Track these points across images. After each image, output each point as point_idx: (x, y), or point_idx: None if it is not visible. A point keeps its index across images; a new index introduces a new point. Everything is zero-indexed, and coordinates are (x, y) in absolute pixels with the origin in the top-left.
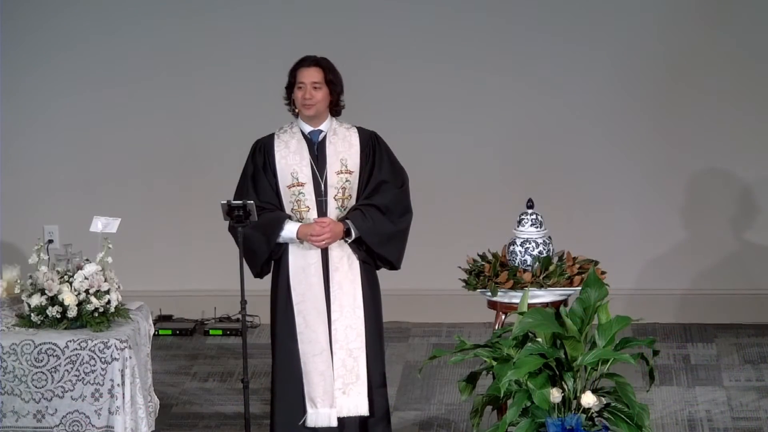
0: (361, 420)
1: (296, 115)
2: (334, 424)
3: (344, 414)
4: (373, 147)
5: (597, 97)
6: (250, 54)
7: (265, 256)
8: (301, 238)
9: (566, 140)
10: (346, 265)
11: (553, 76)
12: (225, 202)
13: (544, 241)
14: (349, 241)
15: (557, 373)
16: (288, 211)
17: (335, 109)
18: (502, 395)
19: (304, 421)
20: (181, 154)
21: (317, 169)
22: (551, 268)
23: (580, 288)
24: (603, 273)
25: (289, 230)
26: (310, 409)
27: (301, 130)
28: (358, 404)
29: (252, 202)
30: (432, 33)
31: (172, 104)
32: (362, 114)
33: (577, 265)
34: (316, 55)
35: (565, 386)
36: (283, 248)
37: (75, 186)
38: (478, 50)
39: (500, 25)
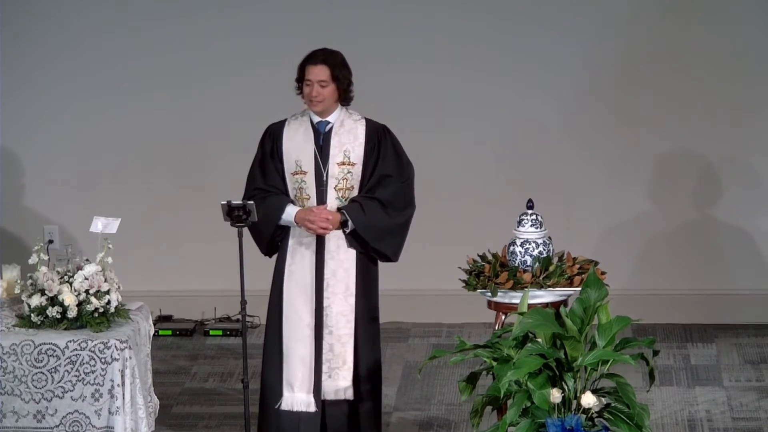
0: (349, 404)
1: None
2: (312, 409)
3: (328, 398)
4: (378, 140)
5: (597, 98)
6: (251, 53)
7: (267, 238)
8: (298, 222)
9: (566, 140)
10: (341, 253)
11: (552, 76)
12: (225, 202)
13: (544, 241)
14: (347, 231)
15: (557, 373)
16: (291, 197)
17: (344, 101)
18: (502, 395)
19: (280, 405)
20: (181, 154)
21: (320, 159)
22: (551, 268)
23: (580, 288)
24: (603, 273)
25: (289, 214)
26: (286, 393)
27: (311, 119)
28: (343, 388)
29: (252, 202)
30: (432, 32)
31: (172, 104)
32: (363, 113)
33: (577, 266)
34: (325, 50)
35: (565, 386)
36: (285, 232)
37: (75, 186)
38: (477, 50)
39: (500, 25)
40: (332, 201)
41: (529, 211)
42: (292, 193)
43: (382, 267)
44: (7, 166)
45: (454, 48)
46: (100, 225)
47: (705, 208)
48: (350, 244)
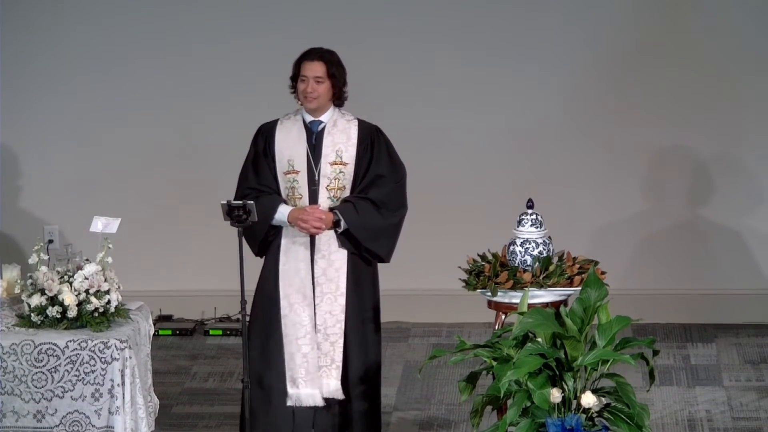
0: (340, 405)
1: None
2: (320, 403)
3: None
4: (372, 141)
5: (597, 98)
6: (251, 53)
7: (260, 237)
8: (291, 222)
9: (566, 140)
10: (332, 253)
11: (552, 77)
12: (225, 202)
13: (544, 241)
14: (339, 231)
15: (557, 373)
16: (283, 196)
17: (338, 100)
18: (502, 395)
19: (285, 402)
20: (181, 154)
21: (312, 159)
22: (551, 268)
23: (580, 288)
24: (603, 273)
25: (282, 213)
26: (290, 390)
27: (303, 119)
28: (332, 388)
29: (252, 202)
30: (430, 32)
31: (172, 104)
32: (361, 113)
33: (577, 265)
34: (321, 48)
35: (565, 386)
36: (277, 231)
37: (75, 186)
38: (476, 50)
39: (499, 25)
40: (324, 201)
41: (529, 211)
42: (284, 193)
43: (382, 267)
44: (7, 166)
45: (453, 47)
46: (100, 225)
47: (705, 208)
48: (342, 244)
